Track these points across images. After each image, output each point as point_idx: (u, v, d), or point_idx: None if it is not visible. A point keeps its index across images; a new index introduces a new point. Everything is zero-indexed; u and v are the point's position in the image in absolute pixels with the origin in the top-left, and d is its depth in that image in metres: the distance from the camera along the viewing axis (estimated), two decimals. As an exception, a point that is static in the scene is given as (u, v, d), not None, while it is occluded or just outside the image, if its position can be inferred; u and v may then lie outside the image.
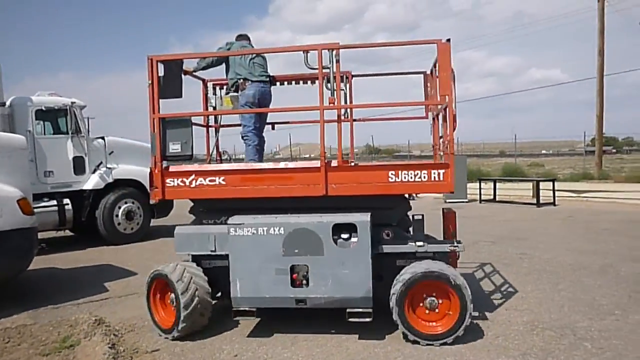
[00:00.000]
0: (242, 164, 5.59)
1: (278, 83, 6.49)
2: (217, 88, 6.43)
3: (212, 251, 4.88)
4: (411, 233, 4.97)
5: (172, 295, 4.76)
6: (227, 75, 6.24)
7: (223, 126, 6.64)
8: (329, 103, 4.65)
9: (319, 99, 4.69)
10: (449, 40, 4.53)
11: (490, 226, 11.08)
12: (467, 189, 16.65)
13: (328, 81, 6.23)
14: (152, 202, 5.11)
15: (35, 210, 6.60)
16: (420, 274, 4.38)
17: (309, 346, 4.50)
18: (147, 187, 10.72)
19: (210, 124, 6.40)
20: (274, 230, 4.51)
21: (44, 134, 10.07)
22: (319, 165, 4.67)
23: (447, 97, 4.58)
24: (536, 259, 7.79)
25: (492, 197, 16.78)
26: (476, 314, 4.89)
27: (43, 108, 9.84)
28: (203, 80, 6.30)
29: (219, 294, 5.09)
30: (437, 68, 5.38)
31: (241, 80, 6.09)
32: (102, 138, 10.59)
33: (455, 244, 4.75)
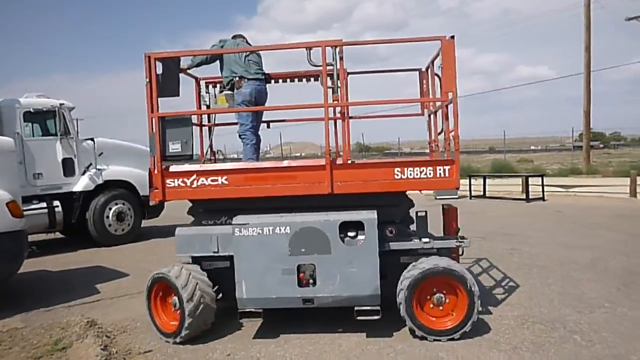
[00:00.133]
0: (245, 163, 5.49)
1: (273, 81, 6.41)
2: (210, 86, 6.34)
3: (214, 252, 4.79)
4: (411, 230, 4.98)
5: (174, 298, 4.68)
6: (221, 73, 6.15)
7: (218, 125, 6.51)
8: (333, 100, 4.60)
9: (324, 96, 4.64)
10: (453, 37, 4.54)
11: (480, 222, 11.15)
12: (457, 186, 16.71)
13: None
14: (152, 203, 5.02)
15: (25, 212, 6.56)
16: (429, 269, 4.39)
17: (302, 344, 4.52)
18: (138, 188, 10.84)
19: (203, 123, 6.33)
20: (280, 230, 4.46)
21: (33, 135, 9.98)
22: (323, 163, 4.63)
23: (451, 93, 4.57)
24: (526, 253, 7.87)
25: (482, 193, 16.88)
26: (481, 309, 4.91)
27: (31, 110, 9.77)
28: (196, 78, 6.21)
29: (220, 296, 4.99)
30: (433, 65, 5.42)
31: (237, 79, 6.01)
32: (92, 139, 10.54)
33: (461, 240, 4.78)
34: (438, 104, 5.49)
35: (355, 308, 4.44)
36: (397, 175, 4.60)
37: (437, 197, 15.55)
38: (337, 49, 4.55)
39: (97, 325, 5.18)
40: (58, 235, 11.30)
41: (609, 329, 4.58)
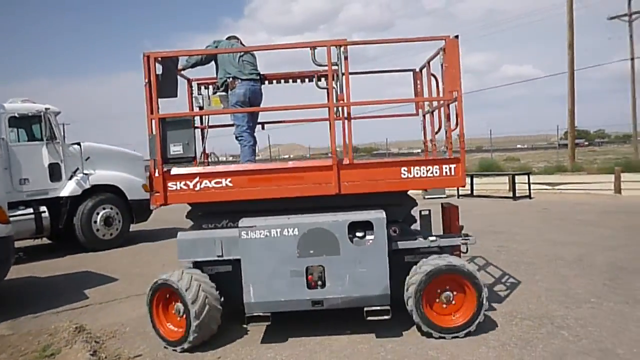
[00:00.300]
0: (250, 165, 5.42)
1: (267, 82, 6.35)
2: (203, 87, 6.27)
3: (218, 256, 4.68)
4: (413, 229, 5.00)
5: (178, 305, 4.57)
6: (216, 74, 6.09)
7: (212, 127, 6.35)
8: (338, 100, 4.57)
9: (329, 96, 4.60)
10: (457, 36, 4.58)
11: (468, 220, 11.13)
12: (445, 185, 16.79)
13: (319, 80, 6.25)
14: (152, 207, 4.92)
15: (11, 218, 6.50)
16: (440, 267, 4.40)
17: (293, 345, 4.53)
18: (125, 192, 10.78)
19: (196, 126, 6.24)
20: (288, 232, 4.40)
21: (18, 141, 9.90)
22: (330, 163, 4.59)
23: (456, 92, 4.60)
24: (513, 251, 7.94)
25: (469, 191, 17.00)
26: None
27: (16, 115, 9.67)
28: (188, 79, 6.12)
29: (221, 300, 4.90)
30: (429, 65, 5.46)
31: (231, 79, 5.95)
32: (78, 144, 10.45)
33: (466, 238, 4.81)
34: (435, 103, 5.53)
35: (365, 308, 4.42)
36: (404, 174, 4.61)
37: (426, 197, 15.60)
38: (342, 49, 4.52)
39: (85, 330, 5.14)
40: (45, 240, 11.18)
41: (596, 324, 4.65)
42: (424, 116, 5.93)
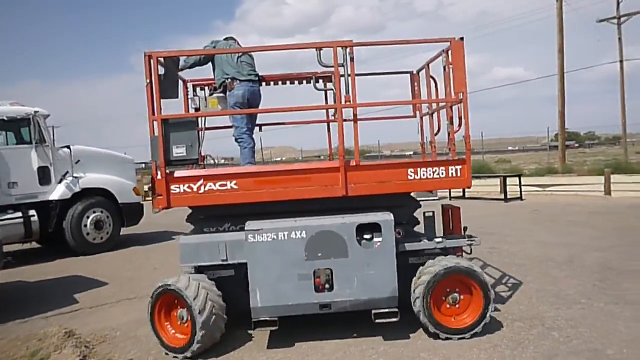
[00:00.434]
0: (255, 167, 5.34)
1: (264, 83, 6.31)
2: (198, 89, 6.21)
3: (223, 261, 4.57)
4: (416, 231, 5.00)
5: (181, 311, 4.46)
6: (214, 75, 6.02)
7: (209, 129, 6.29)
8: (345, 101, 4.54)
9: (337, 97, 4.56)
10: (462, 38, 4.59)
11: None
12: (436, 187, 16.86)
13: (317, 81, 6.25)
14: (155, 211, 4.81)
15: (0, 222, 6.44)
16: (449, 268, 4.40)
17: (284, 349, 4.50)
18: (116, 195, 10.72)
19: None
20: (296, 234, 4.34)
21: (7, 144, 9.82)
22: (337, 165, 4.56)
23: (462, 93, 4.61)
24: (505, 252, 7.97)
25: (461, 193, 17.06)
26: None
27: (5, 118, 9.57)
28: (184, 80, 6.07)
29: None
30: (429, 67, 5.49)
31: (229, 80, 5.88)
32: (68, 147, 10.37)
33: (472, 239, 4.83)
34: (434, 105, 5.57)
35: (373, 311, 4.39)
36: (411, 175, 4.61)
37: (417, 199, 15.63)
38: (348, 50, 4.49)
39: (75, 335, 5.09)
40: (34, 245, 11.10)
41: (586, 325, 4.67)
42: (421, 118, 5.94)
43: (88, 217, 10.27)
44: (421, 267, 4.53)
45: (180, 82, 5.89)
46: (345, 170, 4.53)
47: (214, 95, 5.99)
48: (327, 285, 4.37)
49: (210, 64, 6.04)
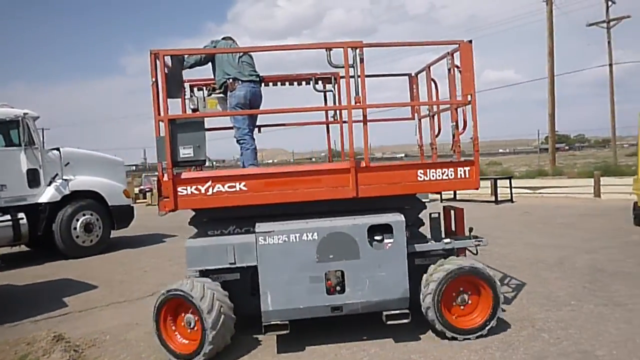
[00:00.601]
0: (264, 168, 5.26)
1: (263, 84, 6.22)
2: (196, 89, 6.12)
3: (231, 264, 4.48)
4: (419, 231, 5.01)
5: (188, 316, 4.35)
6: (214, 75, 5.93)
7: (208, 130, 6.27)
8: (355, 102, 4.51)
9: (347, 98, 4.53)
10: (470, 41, 4.63)
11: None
12: (428, 189, 16.91)
13: (316, 82, 6.23)
14: (161, 214, 4.57)
15: (-12, 225, 6.37)
16: (461, 268, 4.44)
17: (297, 353, 4.45)
18: (106, 198, 10.65)
19: None
20: (307, 236, 4.29)
21: (-5, 146, 9.73)
22: (348, 166, 4.52)
23: (470, 95, 4.64)
24: (495, 254, 8.00)
25: (452, 196, 17.12)
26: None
27: (-6, 120, 9.50)
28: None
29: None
30: (430, 70, 5.53)
31: (230, 80, 5.77)
32: (58, 149, 10.30)
33: (479, 240, 4.88)
34: (435, 107, 5.62)
35: (385, 313, 4.38)
36: (420, 177, 4.62)
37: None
38: (358, 51, 4.47)
39: (64, 339, 5.04)
40: (23, 248, 10.99)
41: (576, 326, 4.69)
42: (419, 120, 5.96)
43: (78, 220, 10.19)
44: (433, 266, 4.55)
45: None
46: (356, 172, 4.50)
47: (213, 95, 5.91)
48: (338, 288, 4.35)
49: (209, 64, 5.92)
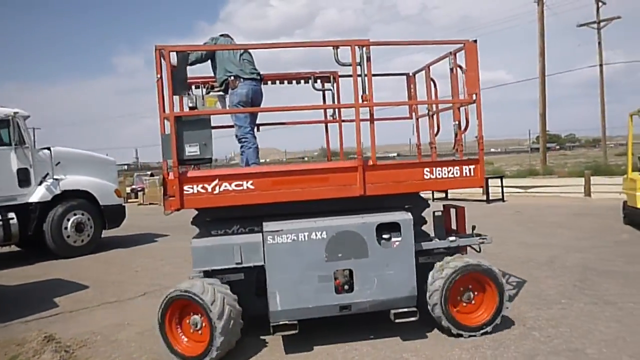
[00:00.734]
0: (272, 166, 5.26)
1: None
2: (193, 87, 6.03)
3: (237, 264, 4.40)
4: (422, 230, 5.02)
5: (194, 317, 4.26)
6: (214, 73, 5.88)
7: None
8: (362, 100, 4.50)
9: (354, 96, 4.51)
10: (475, 40, 4.66)
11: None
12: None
13: (315, 81, 6.22)
14: (166, 213, 4.47)
15: (-23, 225, 6.32)
16: (469, 265, 4.49)
17: (305, 353, 4.43)
18: (97, 197, 10.60)
19: None
20: (316, 235, 4.27)
21: (-14, 145, 9.65)
22: (355, 164, 4.50)
23: (475, 94, 4.67)
24: (486, 253, 8.00)
25: (444, 195, 17.18)
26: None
27: (-17, 119, 9.42)
28: None
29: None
30: (429, 70, 5.56)
31: (232, 78, 5.71)
32: (48, 148, 10.23)
33: (483, 238, 4.94)
34: (434, 107, 5.67)
35: (392, 311, 4.39)
36: (427, 175, 4.65)
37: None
38: (365, 49, 4.45)
39: (55, 340, 5.00)
40: (14, 248, 10.93)
41: (567, 324, 4.73)
42: (417, 119, 5.98)
43: (69, 220, 10.14)
44: (439, 263, 4.59)
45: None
46: (364, 170, 4.49)
47: (211, 93, 5.85)
48: (346, 287, 4.35)
49: (209, 61, 5.86)
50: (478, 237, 4.96)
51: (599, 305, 5.23)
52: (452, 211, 5.48)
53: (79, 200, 10.38)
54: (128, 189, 24.07)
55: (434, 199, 17.11)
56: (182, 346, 4.30)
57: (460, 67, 4.94)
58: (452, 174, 4.69)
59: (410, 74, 6.01)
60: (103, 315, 5.95)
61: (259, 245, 4.35)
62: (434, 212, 5.04)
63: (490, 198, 17.12)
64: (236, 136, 5.86)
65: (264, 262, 4.34)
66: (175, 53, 4.75)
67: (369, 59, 4.47)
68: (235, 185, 4.37)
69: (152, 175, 31.16)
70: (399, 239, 4.39)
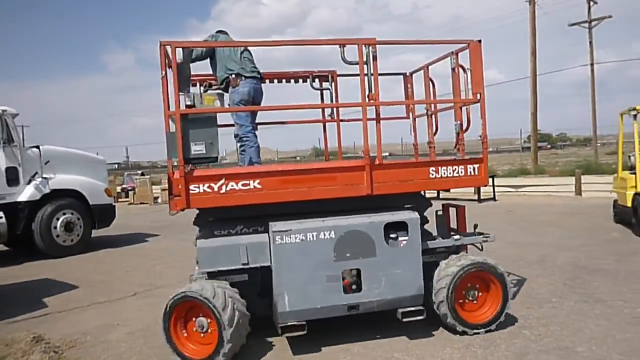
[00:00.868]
0: (279, 166, 5.25)
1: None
2: (190, 85, 6.08)
3: (243, 264, 4.34)
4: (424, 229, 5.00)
5: (200, 319, 4.17)
6: (213, 71, 5.81)
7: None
8: (369, 99, 4.48)
9: (361, 95, 4.48)
10: (480, 40, 4.68)
11: (434, 223, 11.33)
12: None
13: (313, 80, 6.20)
14: (172, 213, 4.39)
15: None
16: (470, 265, 4.52)
17: (313, 354, 4.40)
18: (87, 196, 10.52)
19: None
20: (324, 235, 4.23)
21: (-27, 144, 9.55)
22: (362, 163, 4.47)
23: (480, 94, 4.70)
24: (478, 252, 8.03)
25: (436, 194, 17.22)
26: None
27: (-29, 117, 9.33)
28: None
29: None
30: (428, 69, 5.56)
31: (233, 76, 5.63)
32: (37, 147, 10.14)
33: (486, 236, 4.98)
34: (433, 107, 5.68)
35: (400, 310, 4.38)
36: (432, 174, 4.66)
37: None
38: (371, 48, 4.43)
39: (44, 340, 4.95)
40: (2, 247, 10.81)
41: (557, 323, 4.75)
42: (414, 119, 5.98)
43: (58, 219, 10.05)
44: (444, 261, 4.61)
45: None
46: (371, 169, 4.48)
47: (209, 92, 5.79)
48: (354, 286, 4.32)
49: (208, 59, 5.79)
50: (481, 236, 4.99)
51: (589, 304, 5.26)
52: (452, 210, 5.46)
53: (69, 199, 10.30)
54: (118, 188, 23.92)
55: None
56: (190, 350, 4.20)
57: (463, 67, 4.94)
58: (457, 173, 4.72)
59: (408, 74, 6.01)
60: (93, 316, 5.90)
61: (265, 246, 4.30)
62: (436, 212, 5.07)
63: (482, 197, 17.26)
64: (237, 135, 5.81)
65: (271, 263, 4.30)
66: (181, 49, 4.70)
67: (375, 58, 4.45)
68: (242, 185, 4.31)
69: (142, 174, 31.05)
70: (406, 238, 4.39)
